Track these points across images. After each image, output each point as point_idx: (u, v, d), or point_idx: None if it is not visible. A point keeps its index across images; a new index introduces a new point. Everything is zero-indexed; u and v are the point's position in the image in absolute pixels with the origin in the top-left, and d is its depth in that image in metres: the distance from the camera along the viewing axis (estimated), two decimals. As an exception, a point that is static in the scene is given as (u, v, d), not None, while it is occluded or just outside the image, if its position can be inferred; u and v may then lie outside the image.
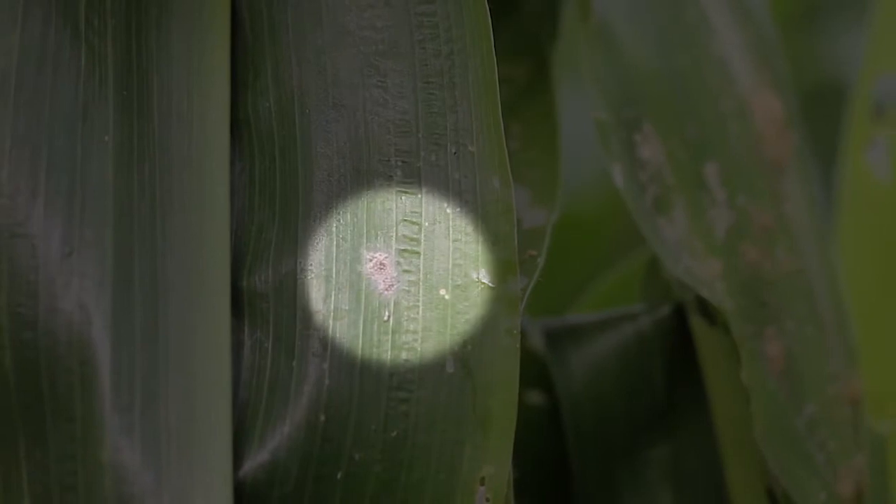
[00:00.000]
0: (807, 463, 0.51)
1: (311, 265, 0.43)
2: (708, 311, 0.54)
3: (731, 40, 0.55)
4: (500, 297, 0.43)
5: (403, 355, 0.42)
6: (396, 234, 0.43)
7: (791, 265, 0.54)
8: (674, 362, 0.57)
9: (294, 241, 0.43)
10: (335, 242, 0.43)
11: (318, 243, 0.43)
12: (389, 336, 0.42)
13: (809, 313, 0.54)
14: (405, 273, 0.43)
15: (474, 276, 0.43)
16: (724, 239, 0.52)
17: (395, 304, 0.43)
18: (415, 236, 0.43)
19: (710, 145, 0.53)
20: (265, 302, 0.43)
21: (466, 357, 0.42)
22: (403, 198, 0.43)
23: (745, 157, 0.54)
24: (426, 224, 0.43)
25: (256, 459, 0.42)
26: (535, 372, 0.57)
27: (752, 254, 0.53)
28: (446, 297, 0.43)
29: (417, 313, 0.43)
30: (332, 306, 0.43)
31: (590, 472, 0.56)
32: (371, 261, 0.43)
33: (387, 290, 0.43)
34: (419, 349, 0.42)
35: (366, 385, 0.42)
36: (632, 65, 0.53)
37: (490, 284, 0.43)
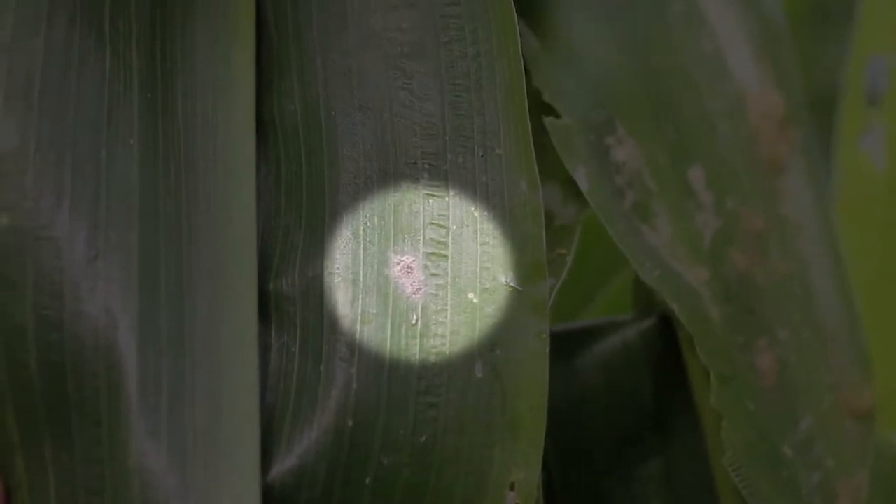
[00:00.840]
0: (788, 489, 0.49)
1: (337, 268, 0.43)
2: None
3: (729, 34, 0.53)
4: (529, 300, 0.43)
5: (432, 359, 0.42)
6: (424, 238, 0.43)
7: (786, 269, 0.52)
8: (663, 374, 0.55)
9: (321, 244, 0.43)
10: (362, 245, 0.43)
11: (344, 246, 0.43)
12: (417, 340, 0.42)
13: (807, 319, 0.52)
14: (433, 276, 0.43)
15: (502, 279, 0.43)
16: (711, 245, 0.51)
17: (423, 307, 0.42)
18: (442, 239, 0.43)
19: (695, 147, 0.51)
20: (292, 305, 0.43)
21: (495, 361, 0.42)
22: (431, 201, 0.43)
23: (735, 158, 0.52)
24: (454, 227, 0.43)
25: (284, 464, 0.41)
26: None
27: (741, 261, 0.51)
28: (474, 300, 0.42)
29: (445, 317, 0.42)
30: (359, 310, 0.42)
31: (574, 489, 0.55)
32: (398, 264, 0.43)
33: (414, 293, 0.42)
34: (447, 353, 0.42)
35: (394, 389, 0.42)
36: (597, 66, 0.51)
37: (518, 287, 0.43)
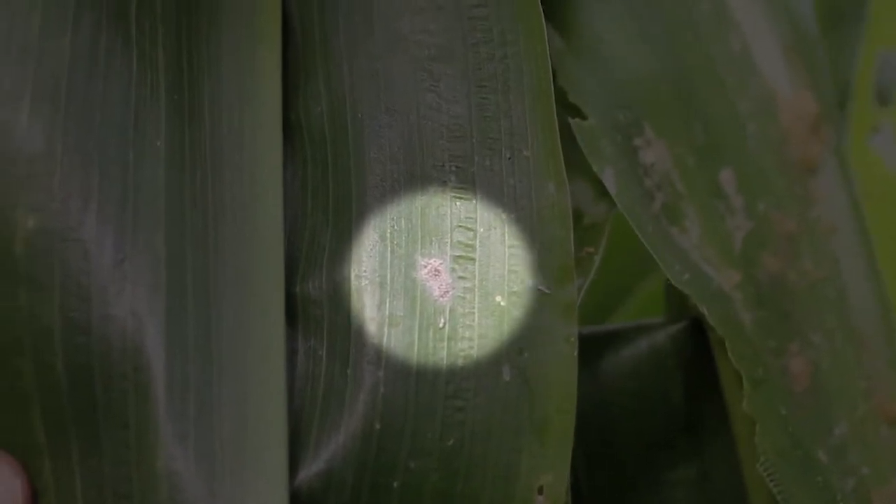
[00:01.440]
0: (822, 495, 0.49)
1: (365, 271, 0.42)
2: None
3: (758, 33, 0.53)
4: (557, 303, 0.42)
5: (459, 363, 0.42)
6: (451, 241, 0.43)
7: (819, 273, 0.51)
8: (694, 378, 0.55)
9: (348, 247, 0.43)
10: (389, 248, 0.43)
11: (372, 249, 0.43)
12: (445, 343, 0.42)
13: (841, 324, 0.51)
14: (460, 279, 0.42)
15: (530, 282, 0.42)
16: (742, 248, 0.50)
17: (451, 310, 0.42)
18: (470, 242, 0.43)
19: (725, 149, 0.51)
20: (319, 309, 0.43)
21: (523, 364, 0.42)
22: (458, 203, 0.43)
23: (766, 160, 0.52)
24: (481, 230, 0.43)
25: (312, 468, 0.41)
26: None
27: (773, 264, 0.51)
28: (502, 303, 0.42)
29: (473, 320, 0.42)
30: (386, 313, 0.42)
31: (602, 493, 0.55)
32: (426, 267, 0.42)
33: (442, 296, 0.42)
34: (475, 356, 0.42)
35: (421, 393, 0.41)
36: (623, 67, 0.50)
37: (546, 290, 0.42)
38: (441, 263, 0.43)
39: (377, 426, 0.41)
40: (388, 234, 0.43)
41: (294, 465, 0.41)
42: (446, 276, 0.42)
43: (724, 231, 0.50)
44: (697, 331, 0.55)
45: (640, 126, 0.50)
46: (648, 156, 0.50)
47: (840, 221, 0.53)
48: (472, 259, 0.43)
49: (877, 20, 0.74)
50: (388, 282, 0.42)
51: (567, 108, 0.48)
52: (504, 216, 0.43)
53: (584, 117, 0.49)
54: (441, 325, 0.42)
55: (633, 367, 0.55)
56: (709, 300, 0.49)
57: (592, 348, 0.55)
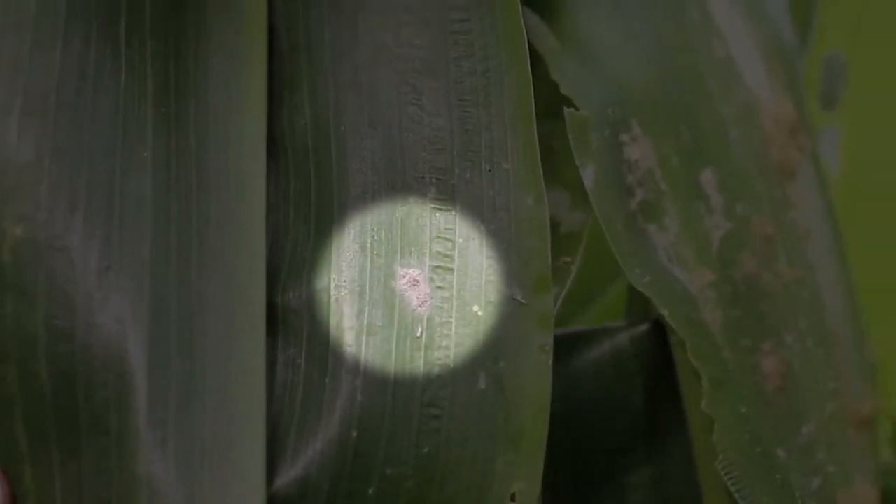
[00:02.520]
0: (782, 493, 0.49)
1: (344, 281, 0.43)
2: None
3: (741, 42, 0.54)
4: (533, 313, 0.43)
5: (436, 371, 0.42)
6: (430, 251, 0.43)
7: (794, 274, 0.52)
8: (655, 382, 0.55)
9: (328, 257, 0.43)
10: (369, 259, 0.43)
11: (352, 259, 0.43)
12: (422, 352, 0.43)
13: (812, 326, 0.52)
14: (438, 289, 0.43)
15: (507, 292, 0.43)
16: (719, 248, 0.51)
17: (428, 320, 0.43)
18: (448, 253, 0.43)
19: (708, 151, 0.52)
20: (299, 318, 0.43)
21: (499, 373, 0.42)
22: (437, 214, 0.44)
23: (747, 163, 0.52)
24: (460, 241, 0.43)
25: (289, 475, 0.42)
26: None
27: (750, 264, 0.51)
28: (479, 313, 0.43)
29: (450, 329, 0.43)
30: (365, 322, 0.43)
31: (563, 497, 0.56)
32: (405, 277, 0.43)
33: (420, 306, 0.43)
34: (451, 365, 0.42)
35: (398, 401, 0.42)
36: (615, 66, 0.51)
37: (523, 301, 0.43)
38: (419, 273, 0.43)
39: (354, 433, 0.42)
40: (368, 245, 0.43)
41: (271, 471, 0.42)
42: (424, 286, 0.43)
43: (701, 230, 0.51)
44: (659, 333, 0.55)
45: (627, 123, 0.50)
46: (634, 152, 0.50)
47: (814, 225, 0.53)
48: (451, 269, 0.43)
49: (821, 27, 0.74)
50: (367, 291, 0.43)
51: (561, 100, 0.49)
52: (483, 227, 0.44)
53: (576, 108, 0.49)
54: (418, 334, 0.43)
55: (596, 371, 0.55)
56: (671, 302, 0.49)
57: (557, 351, 0.55)
